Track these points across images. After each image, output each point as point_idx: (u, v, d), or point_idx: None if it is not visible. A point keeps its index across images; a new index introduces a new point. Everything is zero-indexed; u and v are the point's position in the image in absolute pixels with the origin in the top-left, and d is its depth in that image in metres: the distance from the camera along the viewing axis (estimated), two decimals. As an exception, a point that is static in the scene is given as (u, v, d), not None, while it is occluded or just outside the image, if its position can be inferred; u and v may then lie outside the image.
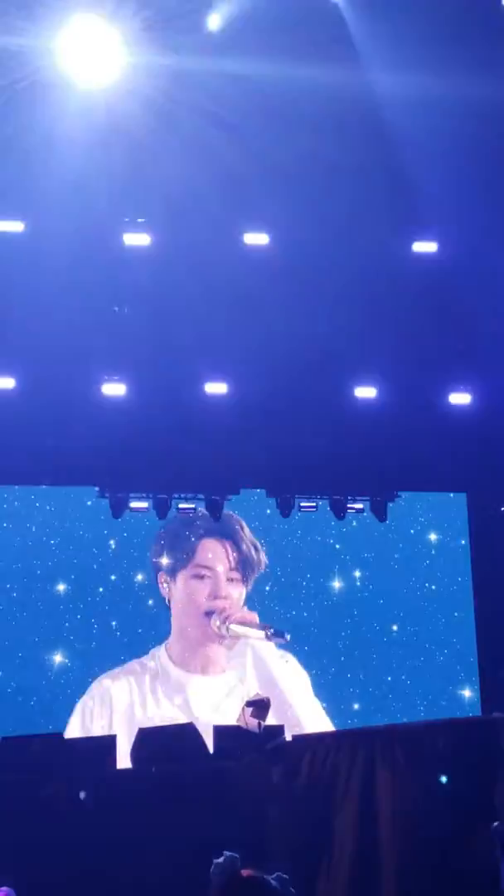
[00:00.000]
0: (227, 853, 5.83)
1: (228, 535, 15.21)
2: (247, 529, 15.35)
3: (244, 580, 14.98)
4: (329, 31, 10.85)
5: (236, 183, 12.21)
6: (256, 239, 13.03)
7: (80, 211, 12.33)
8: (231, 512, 15.38)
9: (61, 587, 14.83)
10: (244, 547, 15.15)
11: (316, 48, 10.89)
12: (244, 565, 15.03)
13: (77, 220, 12.50)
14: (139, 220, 12.67)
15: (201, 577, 14.83)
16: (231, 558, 15.04)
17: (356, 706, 15.01)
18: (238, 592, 14.90)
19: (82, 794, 8.45)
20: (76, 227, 12.60)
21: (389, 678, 15.49)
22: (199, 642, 14.49)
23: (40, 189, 12.02)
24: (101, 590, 14.88)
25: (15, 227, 12.71)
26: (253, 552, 15.17)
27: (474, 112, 11.59)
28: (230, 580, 14.88)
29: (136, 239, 12.81)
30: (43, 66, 10.52)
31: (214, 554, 15.03)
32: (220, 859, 5.84)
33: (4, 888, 6.61)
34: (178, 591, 14.85)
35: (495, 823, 7.41)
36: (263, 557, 15.23)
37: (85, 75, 10.42)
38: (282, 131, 11.77)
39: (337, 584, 15.72)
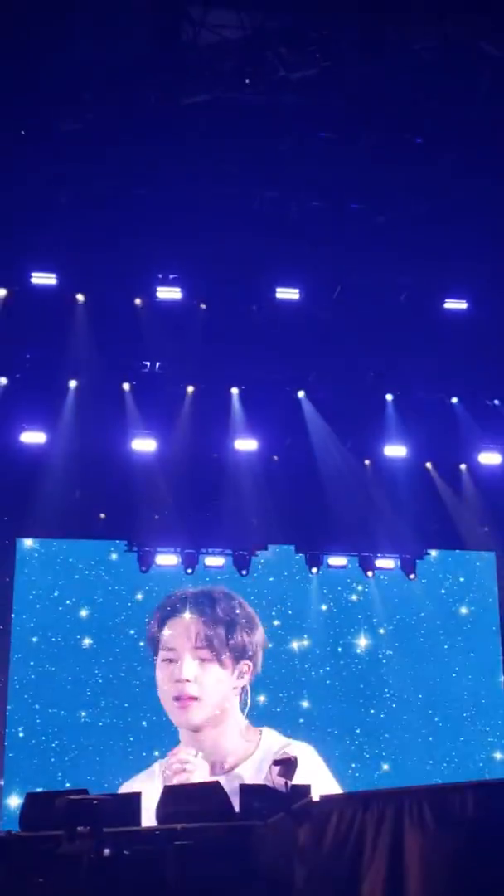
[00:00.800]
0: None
1: (198, 611, 14.52)
2: (225, 603, 14.64)
3: (219, 658, 14.18)
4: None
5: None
6: (288, 295, 13.01)
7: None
8: (213, 587, 14.91)
9: (87, 641, 14.69)
10: (213, 623, 14.37)
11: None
12: (211, 641, 14.21)
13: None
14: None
15: (168, 661, 14.20)
16: (197, 636, 14.29)
17: (385, 766, 14.85)
18: (216, 674, 14.15)
19: (106, 851, 8.35)
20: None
21: (419, 740, 15.38)
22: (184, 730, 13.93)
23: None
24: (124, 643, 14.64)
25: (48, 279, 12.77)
26: (223, 628, 14.34)
27: None
28: (201, 660, 14.13)
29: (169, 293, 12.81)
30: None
31: (177, 633, 14.37)
32: None
33: None
34: (157, 677, 14.29)
35: None
36: (255, 635, 14.51)
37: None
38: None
39: (363, 642, 15.58)
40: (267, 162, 11.28)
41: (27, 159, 11.04)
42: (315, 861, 8.29)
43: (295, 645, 15.16)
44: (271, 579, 15.52)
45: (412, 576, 15.91)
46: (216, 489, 14.94)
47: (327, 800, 8.75)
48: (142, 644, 14.63)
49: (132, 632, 14.75)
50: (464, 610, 16.20)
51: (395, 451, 14.93)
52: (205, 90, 10.30)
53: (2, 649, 14.55)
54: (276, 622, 15.17)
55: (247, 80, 10.23)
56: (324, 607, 15.61)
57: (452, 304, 13.31)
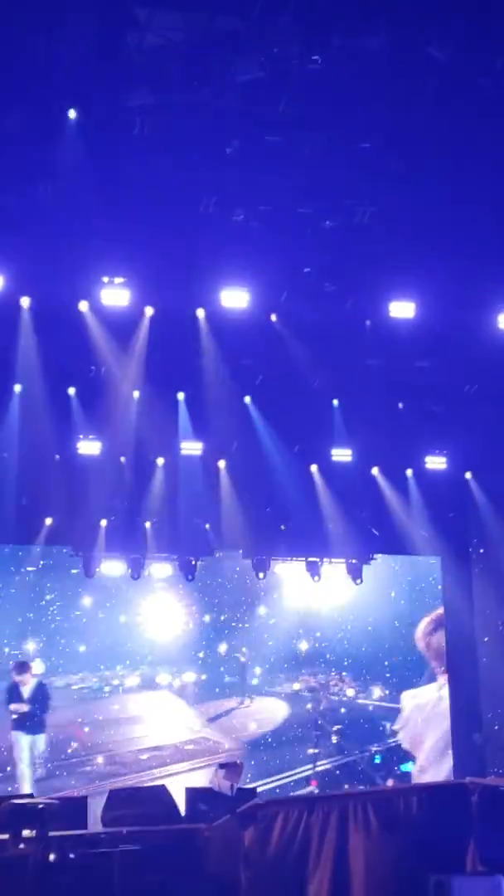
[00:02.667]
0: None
1: None
2: None
3: None
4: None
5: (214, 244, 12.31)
6: (235, 299, 12.96)
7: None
8: None
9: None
10: None
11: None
12: None
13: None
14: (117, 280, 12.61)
15: None
16: None
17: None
18: None
19: (52, 856, 8.29)
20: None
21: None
22: None
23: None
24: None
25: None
26: None
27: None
28: None
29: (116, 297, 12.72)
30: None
31: None
32: None
33: None
34: None
35: None
36: None
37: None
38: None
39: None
40: (213, 166, 11.25)
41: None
42: (260, 863, 8.30)
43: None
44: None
45: (358, 580, 16.00)
46: (162, 494, 14.93)
47: (272, 802, 8.76)
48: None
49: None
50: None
51: (342, 454, 14.97)
52: (150, 93, 10.25)
53: None
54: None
55: (193, 83, 10.20)
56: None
57: (398, 310, 13.33)
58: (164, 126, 10.73)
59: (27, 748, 14.80)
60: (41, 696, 15.15)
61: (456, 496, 16.09)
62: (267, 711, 16.39)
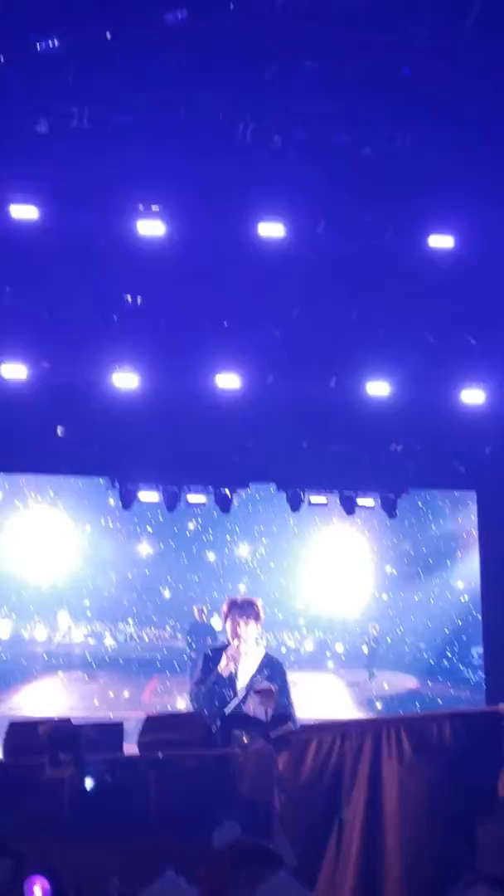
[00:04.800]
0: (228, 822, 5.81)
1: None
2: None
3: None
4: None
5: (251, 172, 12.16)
6: (271, 230, 12.84)
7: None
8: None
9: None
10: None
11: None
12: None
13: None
14: (153, 208, 12.51)
15: None
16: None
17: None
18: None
19: (88, 780, 8.41)
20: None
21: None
22: None
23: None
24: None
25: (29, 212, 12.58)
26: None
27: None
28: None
29: (151, 227, 12.62)
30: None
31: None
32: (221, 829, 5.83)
33: (38, 877, 6.61)
34: None
35: None
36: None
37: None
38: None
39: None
40: (250, 91, 11.11)
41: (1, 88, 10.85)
42: (294, 788, 8.39)
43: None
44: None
45: (394, 513, 15.99)
46: (198, 426, 14.90)
47: (306, 728, 8.83)
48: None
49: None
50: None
51: (378, 387, 14.84)
52: (187, 15, 10.10)
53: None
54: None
55: (231, 6, 10.05)
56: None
57: (438, 242, 13.17)
58: (200, 50, 10.57)
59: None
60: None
61: (494, 430, 15.93)
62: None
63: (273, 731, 8.73)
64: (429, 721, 8.52)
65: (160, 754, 8.54)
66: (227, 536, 18.83)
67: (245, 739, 8.55)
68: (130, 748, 9.18)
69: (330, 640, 18.59)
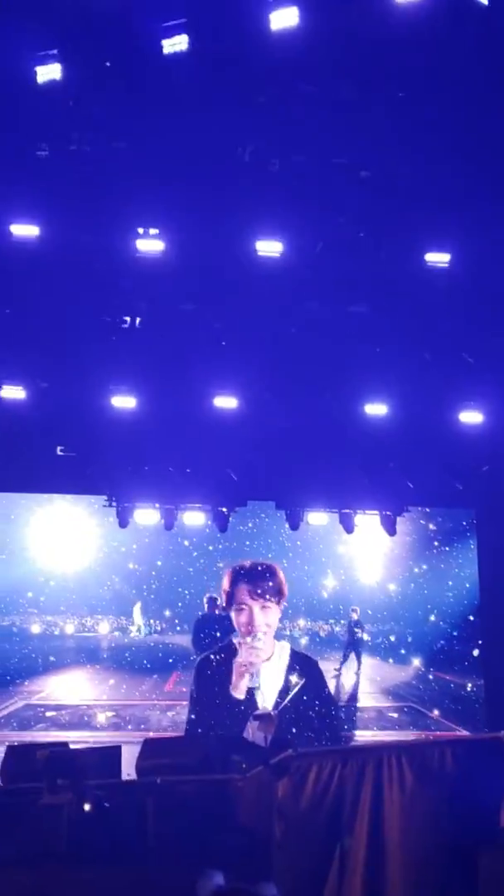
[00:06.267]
0: (208, 870, 5.72)
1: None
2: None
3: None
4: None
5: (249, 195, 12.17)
6: (269, 251, 12.86)
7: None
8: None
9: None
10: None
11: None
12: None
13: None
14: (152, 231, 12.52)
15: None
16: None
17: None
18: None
19: (86, 805, 8.37)
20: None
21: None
22: None
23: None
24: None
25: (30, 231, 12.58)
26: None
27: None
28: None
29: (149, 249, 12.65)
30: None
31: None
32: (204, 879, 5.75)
33: None
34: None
35: None
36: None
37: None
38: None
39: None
40: (247, 114, 11.12)
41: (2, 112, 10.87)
42: (294, 815, 8.32)
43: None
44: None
45: (393, 531, 15.95)
46: (196, 445, 14.88)
47: (306, 754, 8.77)
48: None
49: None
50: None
51: (375, 406, 14.83)
52: (183, 41, 10.13)
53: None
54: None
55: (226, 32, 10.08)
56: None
57: (434, 260, 13.18)
58: (198, 75, 10.59)
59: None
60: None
61: (491, 449, 15.92)
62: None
63: (272, 757, 8.66)
64: (430, 748, 8.48)
65: (158, 780, 8.50)
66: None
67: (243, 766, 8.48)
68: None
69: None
